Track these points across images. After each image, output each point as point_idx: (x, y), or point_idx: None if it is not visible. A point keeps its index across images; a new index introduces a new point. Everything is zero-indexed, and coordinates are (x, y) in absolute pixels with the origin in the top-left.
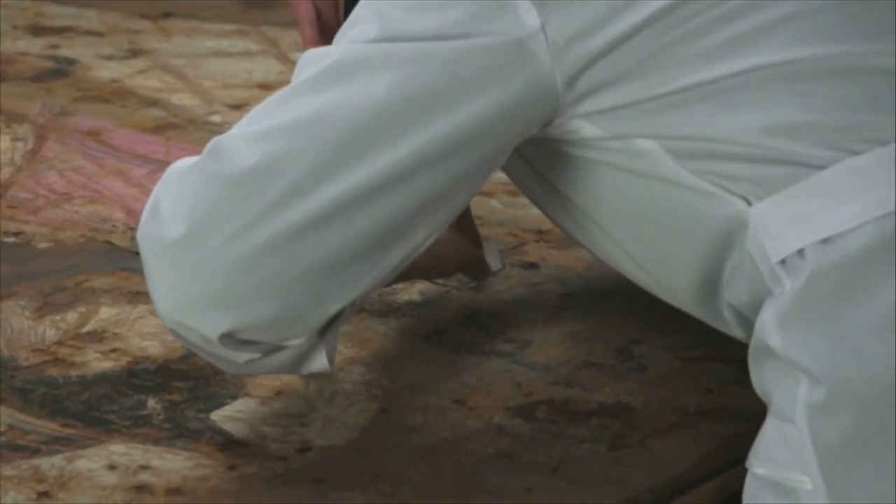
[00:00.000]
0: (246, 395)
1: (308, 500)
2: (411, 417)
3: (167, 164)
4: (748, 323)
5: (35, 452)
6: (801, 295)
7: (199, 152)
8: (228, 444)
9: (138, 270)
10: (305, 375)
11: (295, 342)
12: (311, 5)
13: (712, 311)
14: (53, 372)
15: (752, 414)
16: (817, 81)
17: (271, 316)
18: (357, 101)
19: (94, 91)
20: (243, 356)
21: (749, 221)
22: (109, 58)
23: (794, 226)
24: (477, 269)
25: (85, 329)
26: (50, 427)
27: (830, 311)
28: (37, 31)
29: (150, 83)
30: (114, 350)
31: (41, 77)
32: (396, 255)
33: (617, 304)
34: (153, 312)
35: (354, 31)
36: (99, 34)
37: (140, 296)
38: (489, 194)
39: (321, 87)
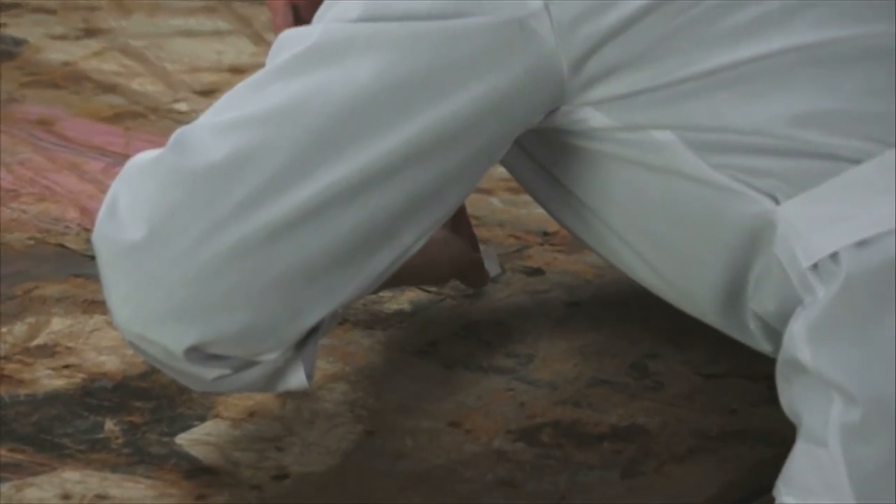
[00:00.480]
0: (215, 416)
1: None
2: (400, 441)
3: (126, 157)
4: (776, 335)
5: None
6: (834, 304)
7: (161, 144)
8: (196, 472)
9: (94, 277)
10: (282, 394)
11: (269, 357)
12: (286, 4)
13: (736, 323)
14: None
15: (781, 437)
16: (851, 66)
17: (242, 327)
18: (338, 87)
19: (45, 75)
20: (212, 372)
21: (777, 222)
22: (61, 38)
23: (827, 227)
24: (474, 275)
25: (34, 342)
26: None
27: (867, 321)
28: None
29: (106, 66)
30: (67, 366)
31: None
32: (382, 260)
33: (630, 314)
34: (111, 324)
35: (336, 10)
36: (50, 11)
37: (96, 305)
38: (488, 192)
39: (299, 71)
